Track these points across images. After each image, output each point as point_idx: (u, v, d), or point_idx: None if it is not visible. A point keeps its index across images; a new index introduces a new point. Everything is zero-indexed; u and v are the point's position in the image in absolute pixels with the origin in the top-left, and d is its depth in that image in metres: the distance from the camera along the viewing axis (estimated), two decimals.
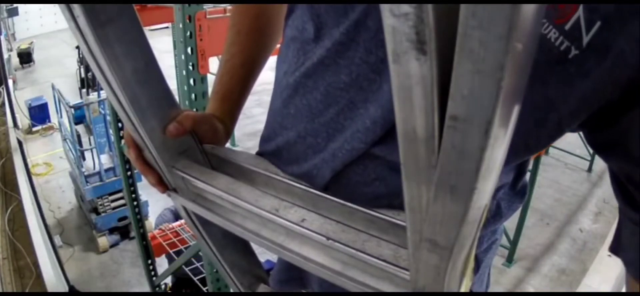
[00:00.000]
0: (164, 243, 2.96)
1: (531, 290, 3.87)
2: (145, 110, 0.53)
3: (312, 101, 0.56)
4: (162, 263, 3.28)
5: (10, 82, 5.94)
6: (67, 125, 4.77)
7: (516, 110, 0.25)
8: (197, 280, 2.89)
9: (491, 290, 0.79)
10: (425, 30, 0.22)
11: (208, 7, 2.62)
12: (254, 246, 0.70)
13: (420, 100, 0.26)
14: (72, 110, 4.54)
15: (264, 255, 1.32)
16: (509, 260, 4.08)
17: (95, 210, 4.46)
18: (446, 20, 0.22)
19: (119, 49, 0.47)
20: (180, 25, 1.63)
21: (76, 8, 0.42)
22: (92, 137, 4.58)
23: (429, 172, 0.29)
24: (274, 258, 0.73)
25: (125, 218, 4.42)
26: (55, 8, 12.06)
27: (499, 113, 0.23)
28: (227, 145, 0.71)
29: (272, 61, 0.74)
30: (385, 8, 0.23)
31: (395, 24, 0.23)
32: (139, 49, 0.49)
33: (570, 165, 5.65)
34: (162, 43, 6.99)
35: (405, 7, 0.22)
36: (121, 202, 4.39)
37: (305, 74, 0.56)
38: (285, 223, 0.51)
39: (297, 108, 0.57)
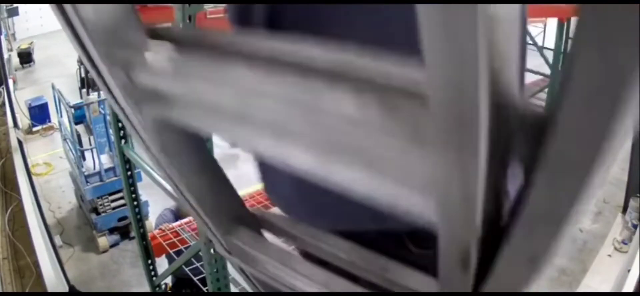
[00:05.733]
0: (164, 243, 2.95)
1: (531, 290, 3.87)
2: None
3: None
4: (162, 263, 3.28)
5: (10, 82, 5.95)
6: (67, 125, 4.77)
7: None
8: (197, 280, 2.89)
9: None
10: None
11: (208, 7, 2.62)
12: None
13: None
14: (72, 110, 4.54)
15: None
16: None
17: (95, 210, 4.45)
18: None
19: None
20: (180, 25, 1.63)
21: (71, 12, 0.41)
22: (92, 137, 4.58)
23: None
24: None
25: (125, 218, 4.42)
26: None
27: None
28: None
29: None
30: None
31: None
32: None
33: None
34: None
35: None
36: (121, 202, 4.39)
37: None
38: None
39: None
